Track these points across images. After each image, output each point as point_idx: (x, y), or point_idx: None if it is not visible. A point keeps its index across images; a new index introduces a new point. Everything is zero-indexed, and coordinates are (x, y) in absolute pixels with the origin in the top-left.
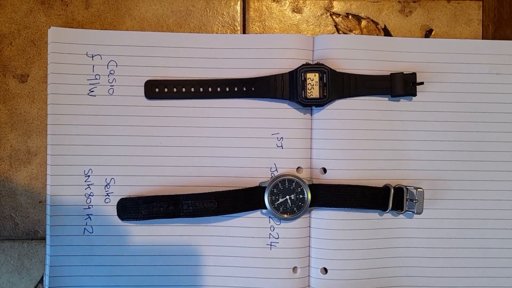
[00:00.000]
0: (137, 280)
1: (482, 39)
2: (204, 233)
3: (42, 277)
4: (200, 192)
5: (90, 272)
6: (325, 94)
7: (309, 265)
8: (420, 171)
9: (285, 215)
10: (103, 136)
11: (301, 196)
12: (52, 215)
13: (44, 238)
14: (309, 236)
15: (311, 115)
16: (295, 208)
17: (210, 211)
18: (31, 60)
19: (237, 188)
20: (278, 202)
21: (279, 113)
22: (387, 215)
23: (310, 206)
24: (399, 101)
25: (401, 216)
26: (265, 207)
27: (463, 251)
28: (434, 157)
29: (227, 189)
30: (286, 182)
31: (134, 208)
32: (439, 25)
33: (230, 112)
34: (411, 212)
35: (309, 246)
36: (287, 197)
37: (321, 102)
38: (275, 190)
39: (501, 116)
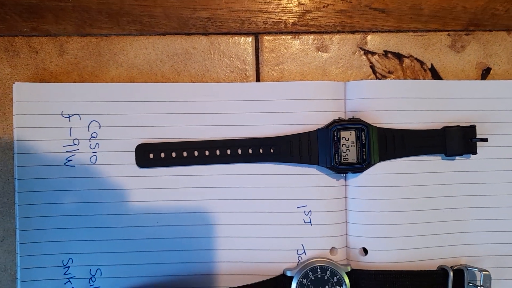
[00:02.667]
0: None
1: None
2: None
3: None
4: (208, 286)
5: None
6: (364, 157)
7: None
8: (483, 245)
9: None
10: (85, 216)
11: (338, 287)
12: None
13: None
14: None
15: (346, 180)
16: None
17: None
18: None
19: (254, 282)
20: None
21: (305, 180)
22: None
23: None
24: (454, 159)
25: None
26: None
27: None
28: (499, 227)
29: (242, 280)
30: (319, 270)
31: None
32: (498, 62)
33: (243, 180)
34: None
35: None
36: None
37: (359, 167)
38: (304, 281)
39: None
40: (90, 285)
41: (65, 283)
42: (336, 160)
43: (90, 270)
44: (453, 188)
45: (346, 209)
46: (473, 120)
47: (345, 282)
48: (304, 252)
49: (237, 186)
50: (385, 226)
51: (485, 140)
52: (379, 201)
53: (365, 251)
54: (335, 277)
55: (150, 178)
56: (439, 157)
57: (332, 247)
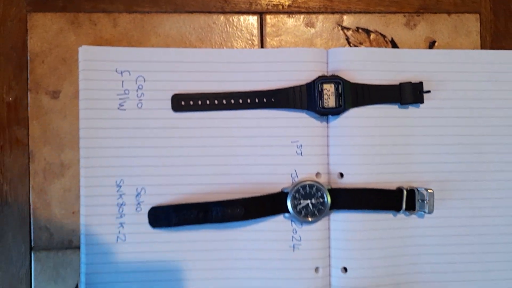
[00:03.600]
0: (169, 285)
1: (481, 49)
2: (231, 238)
3: (77, 285)
4: (226, 199)
5: (124, 278)
6: (340, 103)
7: (329, 265)
8: (430, 173)
9: (307, 218)
10: (133, 148)
11: (321, 200)
12: (86, 224)
13: (78, 247)
14: (329, 238)
15: (328, 123)
16: (316, 211)
17: (238, 217)
18: (63, 77)
19: (262, 195)
20: (300, 206)
21: (298, 122)
22: (401, 215)
23: (329, 209)
24: (408, 108)
25: (413, 216)
26: (288, 211)
27: (473, 247)
28: (442, 159)
29: (252, 195)
30: (307, 187)
31: (165, 216)
32: (441, 36)
33: (252, 122)
34: (422, 212)
35: (329, 247)
36: (308, 201)
37: (337, 111)
38: (297, 195)
39: (501, 120)
40: (137, 200)
41: (117, 198)
42: (320, 105)
43: (137, 188)
44: (407, 129)
45: (328, 145)
46: (422, 79)
47: (326, 196)
48: (297, 175)
49: (246, 127)
50: (357, 156)
51: (428, 91)
52: (352, 137)
53: (341, 175)
54: (319, 193)
55: (182, 120)
56: (396, 106)
57: (317, 172)
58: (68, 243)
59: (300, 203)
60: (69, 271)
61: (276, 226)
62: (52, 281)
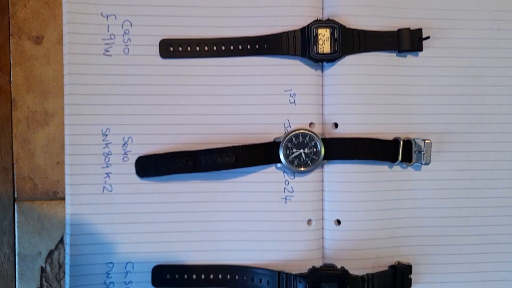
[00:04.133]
0: (156, 237)
1: None
2: (221, 189)
3: (62, 236)
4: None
5: (110, 230)
6: (336, 49)
7: (322, 218)
8: (427, 124)
9: (300, 168)
10: (119, 95)
11: (314, 149)
12: (71, 174)
13: (63, 198)
14: (322, 190)
15: (322, 71)
16: (309, 161)
17: (228, 165)
18: (46, 22)
19: (253, 143)
20: (293, 156)
21: (291, 69)
22: (396, 167)
23: (323, 160)
24: (405, 56)
25: (409, 168)
26: (280, 161)
27: (471, 201)
28: (440, 110)
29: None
30: (300, 136)
31: (153, 165)
32: None
33: (243, 69)
34: (419, 164)
35: (322, 199)
36: (301, 150)
37: (332, 57)
38: (289, 145)
39: (502, 70)
40: (124, 150)
41: (103, 147)
42: (314, 51)
43: (124, 137)
44: (404, 78)
45: (322, 94)
46: (420, 25)
47: (319, 145)
48: (289, 125)
49: (237, 74)
50: (352, 106)
51: (428, 37)
52: (347, 86)
53: (336, 125)
54: (312, 142)
55: (171, 67)
56: (393, 54)
57: (311, 122)
58: (53, 194)
59: (292, 153)
60: (54, 222)
61: (267, 177)
62: (36, 233)
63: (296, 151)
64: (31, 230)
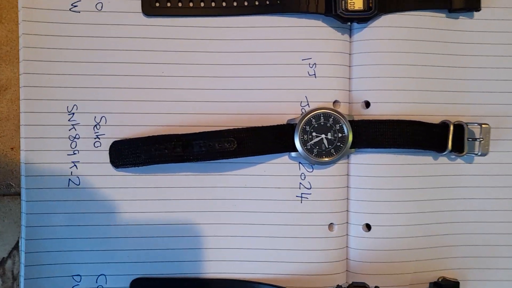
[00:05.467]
0: (135, 243)
1: None
2: (218, 184)
3: (18, 241)
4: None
5: (76, 234)
6: (370, 5)
7: (348, 222)
8: (484, 105)
9: (321, 159)
10: (90, 63)
11: (340, 134)
12: (28, 163)
13: (18, 194)
14: (348, 186)
15: (351, 35)
16: (332, 149)
17: (228, 153)
18: None
19: (260, 126)
20: (312, 142)
21: (311, 32)
22: (443, 159)
23: (350, 148)
24: (458, 18)
25: (459, 160)
26: (295, 149)
27: None
28: (500, 88)
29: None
30: (322, 117)
31: (132, 152)
32: None
33: (249, 32)
34: (472, 155)
35: (347, 198)
36: (323, 136)
37: (365, 16)
38: (307, 128)
39: None
40: (95, 132)
41: (69, 129)
42: (343, 7)
43: (95, 117)
44: (455, 46)
45: (350, 64)
46: None
47: (347, 129)
48: (308, 104)
49: (241, 39)
50: (387, 80)
51: None
52: (382, 55)
53: (367, 104)
54: (337, 125)
55: (156, 27)
56: (443, 14)
57: (335, 100)
58: (5, 187)
59: (311, 138)
60: (8, 223)
61: (279, 170)
62: None
63: (317, 137)
64: None
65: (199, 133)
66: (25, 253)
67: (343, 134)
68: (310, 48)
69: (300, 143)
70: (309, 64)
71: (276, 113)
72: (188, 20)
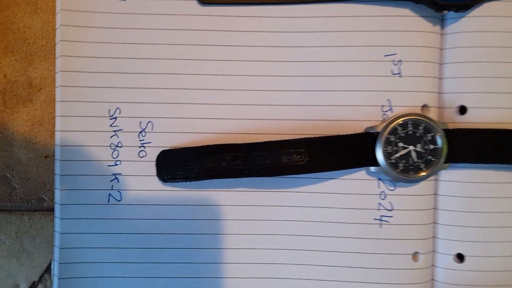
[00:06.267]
0: (181, 270)
1: None
2: (280, 203)
3: (50, 264)
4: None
5: (116, 257)
6: None
7: (435, 250)
8: None
9: (407, 175)
10: (136, 59)
11: (431, 146)
12: (63, 174)
13: (51, 209)
14: (436, 208)
15: (442, 27)
16: (421, 164)
17: (297, 167)
18: None
19: (335, 135)
20: (397, 155)
21: (397, 23)
22: None
23: (444, 162)
24: None
25: None
26: (375, 163)
27: None
28: None
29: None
30: (410, 125)
31: (183, 164)
32: None
33: (322, 24)
34: None
35: (434, 222)
36: (411, 148)
37: (468, 2)
38: (392, 138)
39: None
40: (140, 140)
41: (111, 137)
42: None
43: (140, 122)
44: None
45: (442, 61)
46: None
47: (441, 140)
48: (391, 108)
49: (313, 31)
50: (488, 80)
51: None
52: (483, 50)
53: (462, 110)
54: (429, 135)
55: (214, 18)
56: None
57: (424, 105)
58: (37, 202)
59: (397, 150)
60: (39, 242)
61: (354, 187)
62: (13, 257)
63: (403, 148)
64: (6, 253)
65: (263, 143)
66: (58, 278)
67: (436, 146)
68: (395, 42)
69: (384, 156)
70: (393, 61)
71: (352, 120)
72: (249, 10)
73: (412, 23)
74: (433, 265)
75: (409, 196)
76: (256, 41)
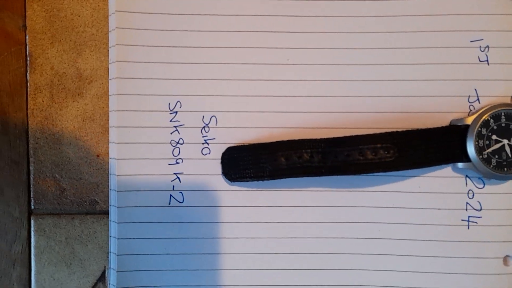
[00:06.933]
0: (249, 277)
1: None
2: (358, 203)
3: (104, 272)
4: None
5: (179, 264)
6: None
7: None
8: None
9: (501, 172)
10: (198, 48)
11: None
12: (120, 174)
13: (106, 212)
14: None
15: None
16: None
17: (385, 164)
18: None
19: (422, 128)
20: (490, 150)
21: (483, 5)
22: None
23: None
24: None
25: None
26: (464, 159)
27: None
28: None
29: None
30: (503, 117)
31: (253, 162)
32: None
33: (401, 6)
34: None
35: None
36: (505, 141)
37: None
38: (484, 131)
39: None
40: (203, 136)
41: (171, 133)
42: None
43: (203, 117)
44: None
45: None
46: None
47: None
48: (478, 99)
49: (389, 15)
50: None
51: None
52: None
53: None
54: None
55: (281, 2)
56: None
57: None
58: (89, 204)
59: (489, 145)
60: (91, 248)
61: (439, 185)
62: (63, 263)
63: (497, 142)
64: (55, 261)
65: (345, 137)
66: (115, 287)
67: None
68: (482, 27)
69: (475, 151)
70: (480, 47)
71: (436, 111)
72: None
73: (499, 5)
74: None
75: (500, 195)
76: (326, 26)
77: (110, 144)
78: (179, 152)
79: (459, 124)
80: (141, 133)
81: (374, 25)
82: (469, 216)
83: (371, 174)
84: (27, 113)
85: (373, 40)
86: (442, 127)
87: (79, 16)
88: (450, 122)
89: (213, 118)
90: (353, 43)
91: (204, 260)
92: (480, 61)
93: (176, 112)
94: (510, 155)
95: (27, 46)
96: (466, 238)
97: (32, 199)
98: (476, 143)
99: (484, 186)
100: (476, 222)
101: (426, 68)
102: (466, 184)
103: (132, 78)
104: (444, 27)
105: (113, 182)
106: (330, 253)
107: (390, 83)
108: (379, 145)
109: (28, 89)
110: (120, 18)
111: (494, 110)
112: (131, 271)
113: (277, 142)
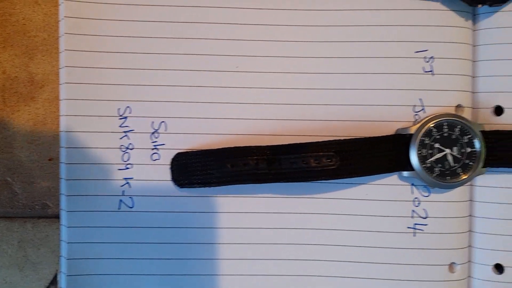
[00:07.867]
0: (200, 282)
1: None
2: (307, 210)
3: (55, 276)
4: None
5: (128, 269)
6: None
7: (471, 261)
8: None
9: (444, 180)
10: (148, 54)
11: (468, 149)
12: (70, 179)
13: (57, 216)
14: (472, 215)
15: (475, 22)
16: (459, 168)
17: (327, 172)
18: None
19: (366, 137)
20: (433, 159)
21: (427, 17)
22: None
23: (482, 167)
24: None
25: None
26: (409, 167)
27: None
28: None
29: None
30: (445, 127)
31: (201, 168)
32: None
33: (348, 17)
34: None
35: (470, 230)
36: (447, 151)
37: None
38: (427, 140)
39: None
40: (153, 142)
41: (121, 138)
42: None
43: (153, 122)
44: None
45: (476, 59)
46: None
47: (478, 142)
48: (423, 108)
49: (339, 25)
50: None
51: None
52: None
53: (498, 110)
54: (466, 137)
55: (230, 11)
56: None
57: (458, 105)
58: (41, 208)
59: (432, 154)
60: (43, 252)
61: (385, 193)
62: (15, 267)
63: (440, 151)
64: (8, 264)
65: (290, 145)
66: None
67: (473, 149)
68: (427, 37)
69: (418, 160)
70: (425, 57)
71: (382, 120)
72: (272, 2)
73: (443, 17)
74: (470, 277)
75: (445, 203)
76: (279, 35)
77: (60, 148)
78: (129, 157)
79: (404, 133)
80: (91, 138)
81: (321, 35)
82: (415, 224)
83: (317, 181)
84: None
85: (319, 49)
86: (387, 135)
87: (31, 21)
88: (396, 131)
89: (163, 124)
90: (300, 52)
91: (155, 265)
92: (425, 71)
93: (126, 118)
94: (452, 164)
95: None
96: (412, 245)
97: None
98: (419, 152)
99: (429, 194)
100: (422, 230)
101: (372, 77)
102: (412, 192)
103: (82, 83)
104: (390, 38)
105: (62, 186)
106: (279, 259)
107: (338, 92)
108: (321, 153)
109: None
110: (68, 23)
111: (436, 120)
112: (82, 275)
113: (223, 148)
